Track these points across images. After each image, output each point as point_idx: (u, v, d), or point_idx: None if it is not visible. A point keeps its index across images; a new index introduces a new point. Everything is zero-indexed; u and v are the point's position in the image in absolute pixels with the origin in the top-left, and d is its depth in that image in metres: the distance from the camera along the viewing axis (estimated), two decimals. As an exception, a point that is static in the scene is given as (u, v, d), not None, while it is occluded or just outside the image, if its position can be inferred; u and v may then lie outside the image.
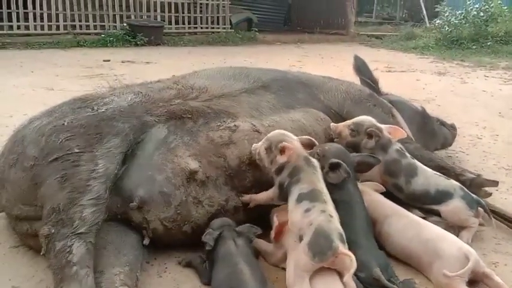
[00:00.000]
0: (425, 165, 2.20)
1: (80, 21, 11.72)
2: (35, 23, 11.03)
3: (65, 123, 1.79)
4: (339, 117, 2.54)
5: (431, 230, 1.80)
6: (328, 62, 8.62)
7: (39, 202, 1.66)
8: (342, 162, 1.85)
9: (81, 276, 1.43)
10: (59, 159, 1.67)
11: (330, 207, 1.68)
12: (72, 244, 1.48)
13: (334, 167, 1.86)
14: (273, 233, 1.79)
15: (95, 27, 11.91)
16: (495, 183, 2.33)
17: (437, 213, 2.04)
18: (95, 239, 1.56)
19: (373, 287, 1.57)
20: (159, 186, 1.81)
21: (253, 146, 1.95)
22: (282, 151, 1.83)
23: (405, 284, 1.63)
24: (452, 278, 1.60)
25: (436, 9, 13.75)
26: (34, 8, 11.00)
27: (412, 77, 6.92)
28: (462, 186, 2.09)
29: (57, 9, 11.32)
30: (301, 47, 12.18)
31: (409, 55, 10.34)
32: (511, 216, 2.16)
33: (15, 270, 1.77)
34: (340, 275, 1.52)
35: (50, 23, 11.21)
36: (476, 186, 2.26)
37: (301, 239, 1.59)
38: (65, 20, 11.52)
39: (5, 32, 10.54)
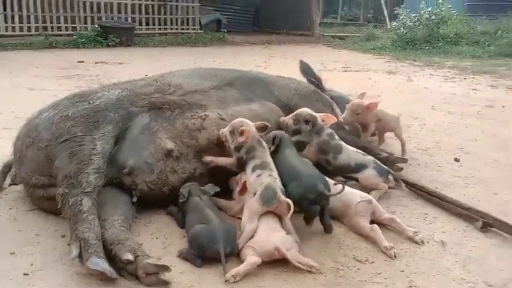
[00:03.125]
0: (352, 146, 2.85)
1: (51, 22, 11.92)
2: (6, 25, 11.16)
3: (69, 114, 2.32)
4: (289, 109, 3.13)
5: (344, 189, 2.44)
6: (291, 63, 9.18)
7: (53, 173, 2.19)
8: (276, 135, 2.48)
9: (90, 219, 1.96)
10: (67, 140, 2.20)
11: (275, 173, 2.27)
12: (82, 199, 2.01)
13: (273, 140, 2.48)
14: (238, 188, 2.39)
15: (66, 28, 12.14)
16: (404, 160, 3.03)
17: (356, 180, 2.69)
18: (98, 197, 2.09)
19: (321, 201, 2.14)
20: (144, 158, 2.36)
21: (221, 130, 2.53)
22: (241, 133, 2.42)
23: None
24: (357, 216, 2.26)
25: (395, 12, 14.65)
26: (5, 9, 11.13)
27: (365, 76, 7.62)
28: (375, 160, 2.74)
29: (28, 10, 11.48)
30: (268, 48, 12.77)
31: (367, 55, 11.12)
32: (413, 182, 2.84)
33: (33, 224, 2.29)
34: (280, 219, 2.13)
35: (21, 25, 11.37)
36: (390, 163, 2.92)
37: (254, 194, 2.18)
38: (36, 22, 11.70)
39: (-24, 33, 10.71)
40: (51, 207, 2.31)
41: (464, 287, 1.92)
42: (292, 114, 2.89)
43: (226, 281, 1.86)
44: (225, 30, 14.90)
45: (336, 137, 2.80)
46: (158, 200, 2.43)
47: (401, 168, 3.00)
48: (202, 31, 14.15)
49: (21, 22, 11.36)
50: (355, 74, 7.87)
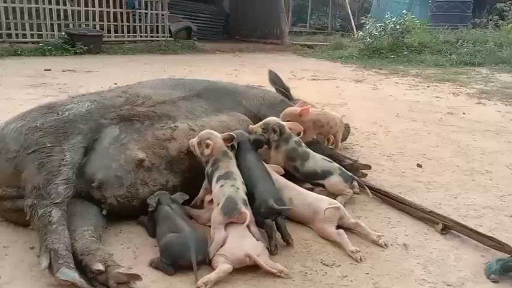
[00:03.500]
0: (319, 153, 2.94)
1: (16, 29, 11.69)
2: (-32, 31, 10.89)
3: (38, 125, 2.30)
4: (257, 119, 3.20)
5: (312, 196, 2.51)
6: (261, 71, 9.28)
7: (21, 184, 2.17)
8: (235, 137, 2.53)
9: (59, 230, 1.95)
10: (35, 151, 2.19)
11: (238, 182, 2.31)
12: (51, 210, 2.00)
13: (232, 147, 2.54)
14: (208, 198, 2.42)
15: (32, 35, 11.93)
16: (368, 167, 3.15)
17: (323, 186, 2.78)
18: (67, 208, 2.09)
19: (272, 215, 2.18)
20: (114, 171, 2.36)
21: (190, 140, 2.56)
22: (207, 146, 2.47)
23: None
24: (324, 222, 2.34)
25: (362, 21, 15.06)
26: (-33, 16, 10.88)
27: (333, 84, 7.81)
28: (341, 167, 2.84)
29: (-8, 17, 11.24)
30: (239, 56, 12.89)
31: (335, 64, 11.39)
32: (378, 188, 2.95)
33: (1, 237, 2.26)
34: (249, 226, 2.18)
35: (-16, 31, 11.12)
36: (354, 169, 3.04)
37: (218, 204, 2.23)
38: (0, 29, 11.45)
39: None
40: (19, 219, 2.29)
41: (425, 287, 2.02)
42: (260, 123, 2.96)
43: (197, 288, 1.90)
44: (195, 38, 14.94)
45: (303, 144, 2.89)
46: (128, 213, 2.43)
47: (366, 174, 3.12)
48: (172, 39, 14.14)
49: (-16, 29, 11.10)
50: (323, 83, 8.04)
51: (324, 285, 1.99)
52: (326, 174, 2.76)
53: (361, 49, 12.62)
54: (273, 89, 3.99)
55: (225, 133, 2.59)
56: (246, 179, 2.36)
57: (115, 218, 2.42)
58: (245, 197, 2.24)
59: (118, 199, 2.36)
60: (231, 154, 2.50)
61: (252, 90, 3.61)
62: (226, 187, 2.26)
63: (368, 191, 2.87)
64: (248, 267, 2.02)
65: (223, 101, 3.22)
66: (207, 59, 12.03)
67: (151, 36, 14.08)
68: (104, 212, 2.33)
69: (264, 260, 2.03)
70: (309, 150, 2.85)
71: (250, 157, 2.53)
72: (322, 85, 7.72)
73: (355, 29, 17.71)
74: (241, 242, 2.06)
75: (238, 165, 2.45)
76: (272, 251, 2.16)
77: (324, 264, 2.15)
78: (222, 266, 1.98)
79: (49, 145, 2.23)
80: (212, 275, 1.94)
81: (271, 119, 2.92)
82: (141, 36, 13.90)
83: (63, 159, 2.20)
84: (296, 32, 21.51)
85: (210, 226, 2.33)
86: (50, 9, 12.17)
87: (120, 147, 2.47)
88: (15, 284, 1.89)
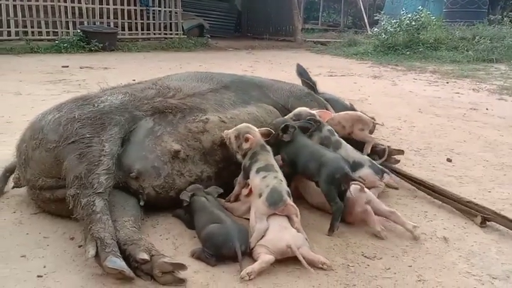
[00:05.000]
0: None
1: (32, 27, 11.77)
2: (-15, 29, 10.98)
3: (76, 116, 2.31)
4: (285, 111, 3.19)
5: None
6: (277, 68, 9.34)
7: (62, 174, 2.17)
8: (288, 123, 2.55)
9: (103, 219, 1.95)
10: (75, 142, 2.19)
11: (280, 175, 2.31)
12: (94, 200, 2.01)
13: (284, 129, 2.53)
14: (246, 191, 2.41)
15: (48, 33, 11.98)
16: (401, 152, 3.12)
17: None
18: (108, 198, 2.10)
19: (345, 183, 2.29)
20: (151, 162, 2.36)
21: (224, 132, 2.55)
22: (246, 140, 2.46)
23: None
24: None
25: (375, 18, 14.95)
26: (-16, 13, 10.96)
27: (350, 80, 7.77)
28: (371, 159, 2.80)
29: (8, 15, 11.29)
30: (252, 53, 12.84)
31: (350, 60, 11.32)
32: (413, 176, 2.92)
33: (40, 227, 2.26)
34: (289, 218, 2.17)
35: (1, 29, 11.19)
36: (388, 154, 3.00)
37: (260, 195, 2.21)
38: (16, 26, 11.51)
39: (-46, 38, 10.47)
40: (58, 209, 2.30)
41: (470, 280, 1.98)
42: (291, 113, 2.94)
43: (241, 279, 1.89)
44: (209, 36, 14.93)
45: (335, 133, 2.87)
46: (165, 203, 2.43)
47: (398, 161, 3.09)
48: (185, 36, 14.15)
49: (1, 27, 11.17)
50: (340, 79, 7.99)
51: (367, 277, 1.97)
52: (357, 165, 2.71)
53: (376, 45, 12.51)
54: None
55: (263, 128, 2.58)
56: (309, 153, 2.43)
57: (151, 210, 2.41)
58: (288, 189, 2.22)
59: (156, 189, 2.36)
60: (269, 147, 2.48)
61: (278, 83, 3.59)
62: (269, 178, 2.24)
63: (397, 185, 2.83)
64: (289, 259, 2.01)
65: (250, 93, 3.21)
66: (220, 56, 12.02)
67: (165, 34, 14.07)
68: (142, 203, 2.32)
69: (305, 251, 2.01)
70: (341, 139, 2.83)
71: (304, 138, 2.58)
72: (340, 81, 7.67)
73: (368, 26, 17.58)
74: (283, 233, 2.04)
75: (296, 147, 2.48)
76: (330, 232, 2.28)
77: (365, 256, 2.12)
78: (265, 257, 1.96)
79: (88, 136, 2.23)
80: (255, 266, 1.93)
81: (302, 109, 2.90)
82: (154, 34, 13.89)
83: (103, 150, 2.20)
84: (308, 29, 21.37)
85: (245, 219, 2.34)
86: (65, 7, 12.21)
87: (155, 139, 2.46)
88: (60, 274, 1.89)
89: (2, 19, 11.17)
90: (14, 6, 11.32)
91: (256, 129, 2.52)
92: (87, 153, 2.16)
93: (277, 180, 2.25)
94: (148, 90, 2.78)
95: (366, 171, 2.72)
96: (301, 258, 1.94)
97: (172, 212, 2.43)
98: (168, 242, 2.20)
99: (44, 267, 1.93)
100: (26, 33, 11.61)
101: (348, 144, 2.82)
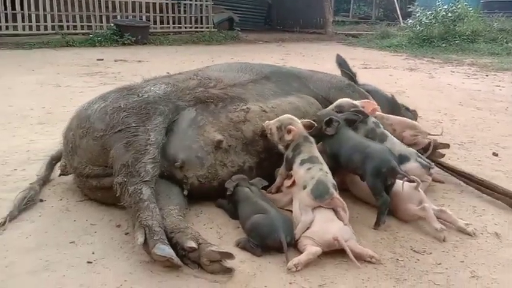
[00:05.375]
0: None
1: (67, 21, 12.03)
2: (23, 24, 11.26)
3: (121, 105, 2.33)
4: (327, 102, 3.13)
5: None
6: (309, 60, 9.23)
7: (108, 162, 2.20)
8: (332, 116, 2.50)
9: (151, 207, 1.97)
10: (121, 131, 2.21)
11: (325, 167, 2.27)
12: (141, 188, 2.02)
13: (328, 122, 2.48)
14: (289, 183, 2.37)
15: (82, 27, 12.23)
16: (447, 145, 3.01)
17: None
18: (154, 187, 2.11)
19: (392, 177, 2.26)
20: (195, 152, 2.36)
21: (265, 122, 2.53)
22: (289, 131, 2.42)
23: None
24: (405, 202, 2.27)
25: (409, 9, 14.58)
26: (22, 8, 11.23)
27: (386, 73, 7.60)
28: (417, 152, 2.71)
29: (44, 10, 11.58)
30: (283, 46, 12.75)
31: (384, 53, 11.08)
32: (461, 171, 2.83)
33: (87, 214, 2.30)
34: (335, 210, 2.12)
35: (38, 24, 11.48)
36: (433, 147, 2.91)
37: (304, 187, 2.18)
38: (52, 21, 11.80)
39: (-6, 32, 10.81)
40: (104, 197, 2.34)
41: (528, 277, 1.90)
42: (332, 105, 2.88)
43: (288, 270, 1.86)
44: (239, 29, 14.91)
45: (381, 125, 2.79)
46: (207, 193, 2.42)
47: (443, 155, 2.98)
48: (216, 30, 14.18)
49: (37, 21, 11.47)
50: (375, 71, 7.83)
51: (418, 272, 1.91)
52: (403, 159, 2.62)
53: (411, 38, 12.19)
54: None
55: (305, 120, 2.54)
56: (353, 145, 2.38)
57: (194, 200, 2.41)
58: (334, 182, 2.18)
59: (199, 179, 2.36)
60: (312, 139, 2.44)
61: (317, 74, 3.53)
62: (315, 170, 2.20)
63: (443, 178, 2.74)
64: (336, 251, 1.97)
65: (291, 84, 3.17)
66: (251, 49, 11.98)
67: (196, 27, 14.15)
68: (185, 192, 2.33)
69: (352, 244, 1.96)
70: (387, 132, 2.75)
71: (348, 131, 2.53)
72: (375, 73, 7.51)
73: (400, 18, 17.18)
74: (329, 225, 2.00)
75: (339, 140, 2.43)
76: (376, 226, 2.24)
77: (414, 251, 2.06)
78: (311, 249, 1.93)
79: (134, 125, 2.25)
80: (302, 257, 1.90)
81: (344, 100, 2.84)
82: (185, 27, 13.99)
83: (149, 139, 2.22)
84: (338, 21, 21.05)
85: (287, 210, 2.31)
86: (99, 1, 12.44)
87: (198, 129, 2.46)
88: (108, 260, 1.91)
89: (39, 14, 11.47)
90: (50, 1, 11.61)
91: (299, 121, 2.48)
92: (134, 142, 2.18)
93: (322, 172, 2.21)
94: (190, 81, 2.78)
95: (412, 165, 2.62)
96: (348, 250, 1.89)
97: (215, 202, 2.43)
98: (212, 231, 2.19)
99: (93, 253, 1.96)
100: (61, 27, 11.88)
101: (395, 138, 2.74)
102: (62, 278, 1.80)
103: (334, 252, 1.97)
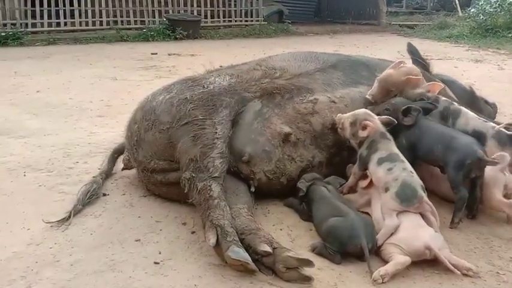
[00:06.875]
0: None
1: (121, 16, 12.29)
2: (80, 20, 11.60)
3: (188, 97, 2.21)
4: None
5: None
6: (364, 51, 8.84)
7: (175, 156, 2.09)
8: (409, 105, 2.27)
9: (222, 205, 1.84)
10: (188, 123, 2.10)
11: (408, 165, 2.04)
12: (211, 184, 1.90)
13: (405, 112, 2.26)
14: (365, 184, 2.16)
15: (135, 22, 12.44)
16: None
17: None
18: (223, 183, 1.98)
19: (478, 169, 2.07)
20: (262, 145, 2.21)
21: (338, 115, 2.33)
22: (364, 128, 2.21)
23: None
24: (491, 187, 2.07)
25: (469, -2, 13.75)
26: (79, 5, 11.59)
27: (450, 65, 7.13)
28: (496, 126, 2.35)
29: (100, 5, 11.87)
30: (335, 38, 12.40)
31: (444, 44, 10.47)
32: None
33: (151, 211, 2.21)
34: (422, 214, 1.90)
35: (94, 19, 11.78)
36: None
37: (386, 190, 1.96)
38: (107, 16, 12.06)
39: (53, 28, 11.19)
40: (169, 193, 2.24)
41: None
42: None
43: (373, 281, 1.67)
44: (289, 21, 14.66)
45: (454, 102, 2.55)
46: (275, 190, 2.27)
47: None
48: (266, 23, 14.02)
49: (93, 17, 11.79)
50: (438, 63, 7.30)
51: (525, 289, 1.66)
52: (478, 136, 2.29)
53: (473, 28, 11.44)
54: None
55: (384, 117, 2.30)
56: (436, 136, 2.19)
57: (260, 197, 2.26)
58: (422, 183, 1.95)
59: (267, 174, 2.21)
60: (390, 136, 2.21)
61: (385, 63, 3.28)
62: (397, 170, 1.98)
63: None
64: (424, 262, 1.76)
65: (360, 72, 2.95)
66: (303, 41, 11.71)
67: (246, 21, 14.04)
68: (253, 189, 2.18)
69: (446, 254, 1.74)
70: (461, 107, 2.49)
71: (426, 120, 2.31)
72: (438, 65, 6.95)
73: (459, 7, 16.27)
74: (419, 232, 1.78)
75: (419, 130, 2.25)
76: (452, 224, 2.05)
77: (516, 263, 1.80)
78: (399, 258, 1.72)
79: (201, 117, 2.12)
80: (389, 267, 1.70)
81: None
82: (235, 21, 13.92)
83: (216, 133, 2.09)
84: (391, 12, 20.28)
85: (364, 212, 2.10)
86: (152, -4, 12.63)
87: (264, 121, 2.31)
88: (176, 261, 1.80)
89: (94, 10, 11.78)
90: (106, -3, 11.88)
91: (376, 117, 2.26)
92: (201, 135, 2.05)
93: (407, 172, 1.99)
94: (254, 72, 2.62)
95: (488, 144, 2.29)
96: (446, 261, 1.68)
97: (283, 201, 2.26)
98: (283, 233, 2.03)
99: (160, 253, 1.85)
100: (116, 22, 12.14)
101: (471, 112, 2.46)
102: (128, 279, 1.70)
103: (422, 262, 1.75)
